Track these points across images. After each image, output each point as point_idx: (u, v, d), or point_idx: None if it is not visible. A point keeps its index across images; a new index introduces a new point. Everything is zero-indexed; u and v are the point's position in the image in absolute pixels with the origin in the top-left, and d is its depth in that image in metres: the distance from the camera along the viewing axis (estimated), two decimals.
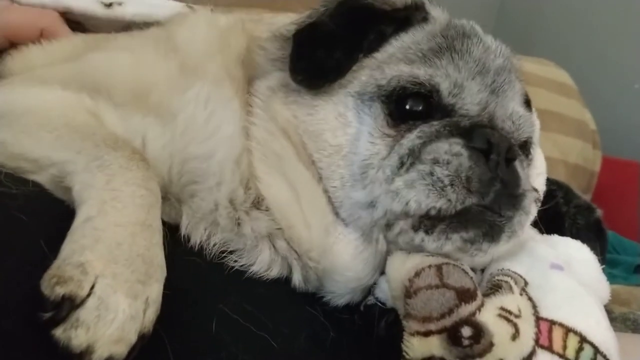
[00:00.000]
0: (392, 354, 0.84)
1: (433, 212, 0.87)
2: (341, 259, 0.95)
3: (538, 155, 1.20)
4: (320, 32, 0.99)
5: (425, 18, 1.06)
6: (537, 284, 0.91)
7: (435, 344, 0.78)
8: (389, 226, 0.91)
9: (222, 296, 0.89)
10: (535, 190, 1.15)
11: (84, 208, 0.80)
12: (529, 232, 1.02)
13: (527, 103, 1.16)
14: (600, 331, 0.85)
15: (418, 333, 0.80)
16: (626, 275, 2.44)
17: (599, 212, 1.48)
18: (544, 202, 1.16)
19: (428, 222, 0.89)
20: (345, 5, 1.01)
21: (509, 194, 0.91)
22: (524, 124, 1.03)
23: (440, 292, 0.82)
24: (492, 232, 0.90)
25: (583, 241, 1.09)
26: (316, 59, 0.98)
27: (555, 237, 1.10)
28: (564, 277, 0.94)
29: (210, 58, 1.08)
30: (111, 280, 0.72)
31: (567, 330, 0.82)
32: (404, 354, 0.80)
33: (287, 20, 1.09)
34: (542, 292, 0.88)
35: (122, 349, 0.69)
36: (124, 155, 0.88)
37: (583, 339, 0.82)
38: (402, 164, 0.91)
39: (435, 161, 0.88)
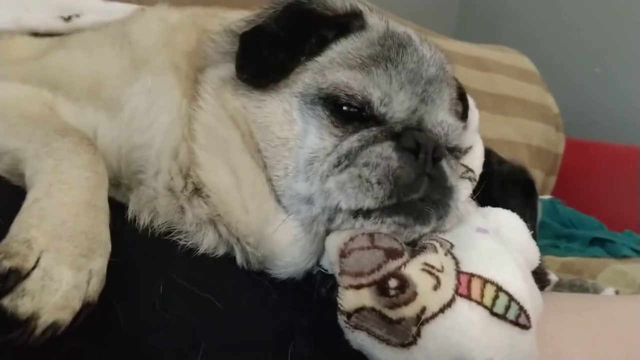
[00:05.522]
0: (330, 313, 0.92)
1: (364, 209, 0.96)
2: (279, 246, 1.00)
3: (477, 142, 1.31)
4: (265, 34, 1.05)
5: (362, 26, 1.12)
6: (461, 245, 0.99)
7: (366, 296, 0.86)
8: (330, 219, 0.98)
9: (170, 264, 0.95)
10: (472, 170, 1.27)
11: (33, 191, 0.84)
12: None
13: (462, 96, 1.26)
14: (515, 282, 0.92)
15: (351, 286, 0.88)
16: (582, 249, 2.58)
17: (532, 176, 1.58)
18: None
19: (364, 212, 0.96)
20: (290, 9, 1.08)
21: (437, 186, 1.01)
22: (452, 132, 1.11)
23: (371, 251, 0.91)
24: (422, 216, 0.99)
25: (513, 209, 1.19)
26: (261, 59, 1.04)
27: (487, 208, 1.19)
28: (486, 238, 1.03)
29: (157, 51, 1.14)
30: (55, 254, 0.76)
31: (485, 281, 0.90)
32: (339, 305, 0.89)
33: (239, 17, 1.15)
34: (464, 251, 0.97)
35: (66, 315, 0.74)
36: (72, 141, 0.92)
37: (499, 289, 0.89)
38: (339, 162, 0.98)
39: (366, 164, 0.96)
